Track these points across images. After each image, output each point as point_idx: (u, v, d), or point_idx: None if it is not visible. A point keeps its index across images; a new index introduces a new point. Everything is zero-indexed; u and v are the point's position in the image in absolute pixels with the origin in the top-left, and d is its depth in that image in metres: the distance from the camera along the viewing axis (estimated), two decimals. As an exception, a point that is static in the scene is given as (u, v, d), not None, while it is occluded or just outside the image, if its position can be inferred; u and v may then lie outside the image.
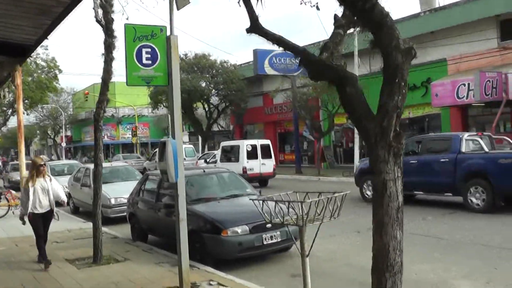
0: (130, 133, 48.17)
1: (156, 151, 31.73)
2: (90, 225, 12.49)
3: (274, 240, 8.09)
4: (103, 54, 8.14)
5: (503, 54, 21.79)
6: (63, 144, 61.43)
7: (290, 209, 4.27)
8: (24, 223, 8.57)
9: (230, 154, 22.72)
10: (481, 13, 22.25)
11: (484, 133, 14.81)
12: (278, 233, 8.12)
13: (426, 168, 13.63)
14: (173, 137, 6.48)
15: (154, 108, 38.25)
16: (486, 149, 12.83)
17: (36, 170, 8.46)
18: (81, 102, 61.10)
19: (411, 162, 13.84)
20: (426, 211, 12.83)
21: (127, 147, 57.79)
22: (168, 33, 6.52)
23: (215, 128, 43.02)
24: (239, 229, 7.87)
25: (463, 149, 12.96)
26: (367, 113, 3.63)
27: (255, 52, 29.00)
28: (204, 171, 10.16)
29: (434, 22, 24.85)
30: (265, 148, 22.33)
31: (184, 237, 6.55)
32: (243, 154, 21.67)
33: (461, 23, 22.96)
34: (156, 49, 6.44)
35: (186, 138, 50.89)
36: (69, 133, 71.76)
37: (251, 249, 7.96)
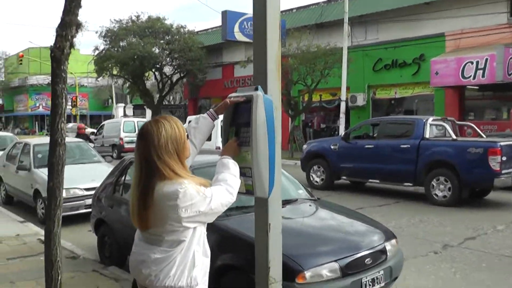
0: (70, 103, 43.22)
1: (103, 124, 26.87)
2: (31, 229, 8.58)
3: (377, 286, 4.60)
4: None
5: (515, 31, 19.17)
6: (-6, 114, 56.06)
7: None
8: None
9: (200, 131, 18.78)
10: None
11: (448, 118, 12.80)
12: (382, 273, 4.66)
13: (384, 154, 12.10)
14: (265, 92, 2.85)
15: (99, 76, 33.37)
16: (454, 136, 11.35)
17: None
18: (14, 67, 55.27)
19: (367, 147, 12.56)
20: (485, 215, 9.80)
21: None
22: None
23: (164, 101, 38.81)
24: (324, 270, 4.27)
25: (427, 135, 11.42)
26: None
27: (225, 14, 24.98)
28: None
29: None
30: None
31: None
32: (216, 131, 17.88)
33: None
34: None
35: (130, 111, 46.52)
36: (0, 102, 65.78)
37: (344, 306, 4.39)
